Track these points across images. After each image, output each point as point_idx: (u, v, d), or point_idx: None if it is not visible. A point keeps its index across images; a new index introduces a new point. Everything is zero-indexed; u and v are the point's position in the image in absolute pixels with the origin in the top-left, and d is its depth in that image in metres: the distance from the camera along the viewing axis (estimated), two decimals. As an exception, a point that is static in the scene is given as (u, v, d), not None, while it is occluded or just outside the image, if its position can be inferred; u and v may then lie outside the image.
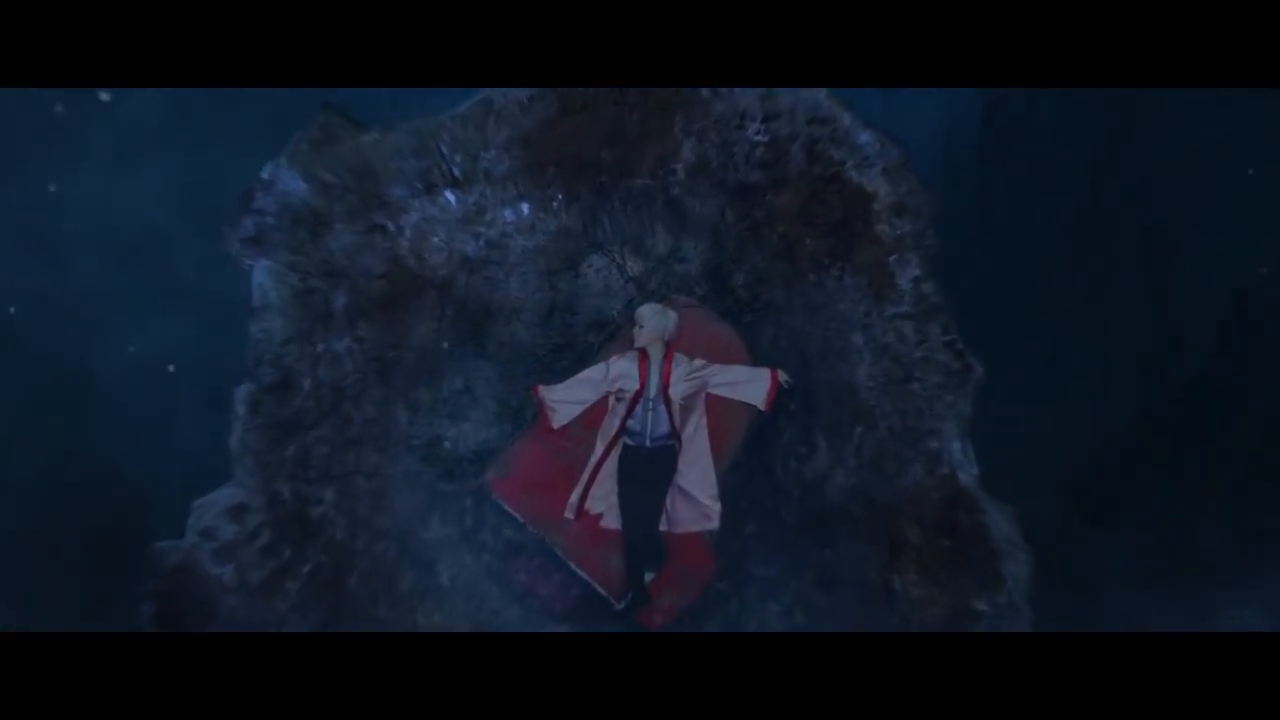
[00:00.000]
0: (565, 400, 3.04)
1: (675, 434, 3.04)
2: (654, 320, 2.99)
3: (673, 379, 3.01)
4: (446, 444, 3.17)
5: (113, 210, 2.89)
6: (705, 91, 2.89)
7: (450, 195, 2.99)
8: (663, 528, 3.08)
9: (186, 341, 2.94)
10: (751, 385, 3.01)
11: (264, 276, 2.87)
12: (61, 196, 2.87)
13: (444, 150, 2.92)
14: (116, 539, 2.88)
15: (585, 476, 3.08)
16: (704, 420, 3.06)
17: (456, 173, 2.96)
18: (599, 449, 3.09)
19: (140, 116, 2.87)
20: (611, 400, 3.07)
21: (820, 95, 2.88)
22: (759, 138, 2.95)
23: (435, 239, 3.02)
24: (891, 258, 2.95)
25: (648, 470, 3.04)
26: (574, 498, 3.08)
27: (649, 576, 3.08)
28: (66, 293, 2.90)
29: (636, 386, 3.01)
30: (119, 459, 2.95)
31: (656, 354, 3.02)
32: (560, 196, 3.05)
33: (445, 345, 3.11)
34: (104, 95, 2.76)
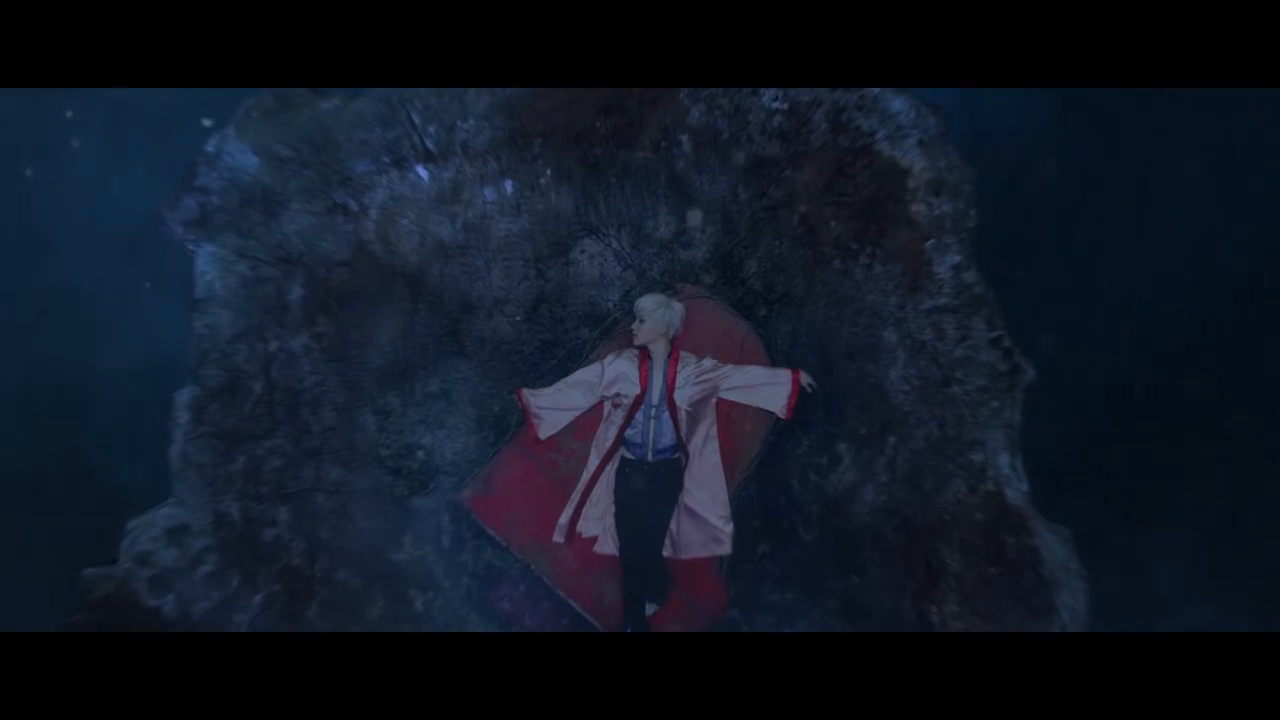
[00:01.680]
0: (554, 407, 2.89)
1: (681, 446, 2.85)
2: (657, 314, 2.80)
3: (678, 382, 2.82)
4: (420, 454, 3.01)
5: (100, 202, 2.85)
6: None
7: (422, 171, 2.82)
8: (666, 553, 2.90)
9: (181, 339, 2.83)
10: (770, 389, 2.82)
11: (209, 264, 2.68)
12: (40, 185, 2.83)
13: (415, 119, 2.73)
14: (103, 542, 2.74)
15: (577, 495, 2.90)
16: (714, 430, 2.89)
17: (430, 145, 2.78)
18: (593, 463, 2.91)
19: (133, 111, 2.82)
20: (607, 407, 2.90)
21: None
22: (776, 104, 2.75)
23: (405, 221, 2.85)
24: (928, 242, 2.74)
25: (649, 488, 2.85)
26: (563, 519, 2.90)
27: (651, 609, 2.90)
28: (50, 287, 2.86)
29: (636, 391, 2.83)
30: (110, 461, 2.89)
31: (660, 353, 2.83)
32: (548, 172, 2.89)
33: (421, 343, 2.95)
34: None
